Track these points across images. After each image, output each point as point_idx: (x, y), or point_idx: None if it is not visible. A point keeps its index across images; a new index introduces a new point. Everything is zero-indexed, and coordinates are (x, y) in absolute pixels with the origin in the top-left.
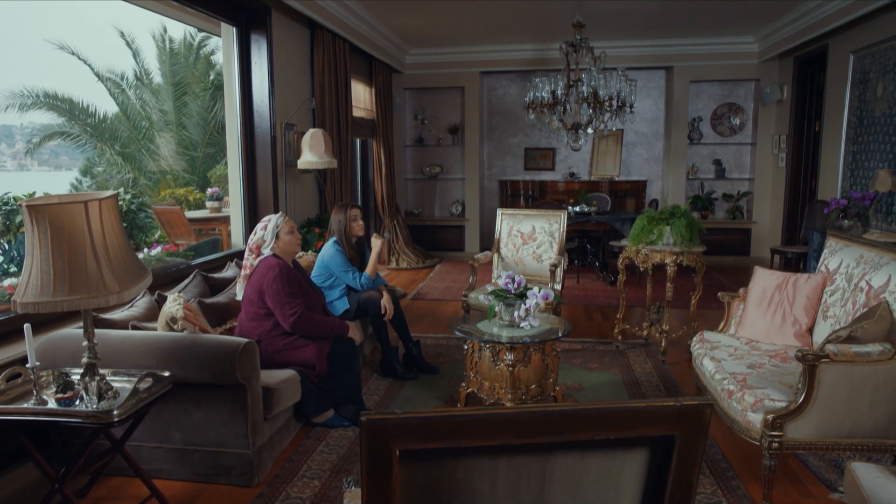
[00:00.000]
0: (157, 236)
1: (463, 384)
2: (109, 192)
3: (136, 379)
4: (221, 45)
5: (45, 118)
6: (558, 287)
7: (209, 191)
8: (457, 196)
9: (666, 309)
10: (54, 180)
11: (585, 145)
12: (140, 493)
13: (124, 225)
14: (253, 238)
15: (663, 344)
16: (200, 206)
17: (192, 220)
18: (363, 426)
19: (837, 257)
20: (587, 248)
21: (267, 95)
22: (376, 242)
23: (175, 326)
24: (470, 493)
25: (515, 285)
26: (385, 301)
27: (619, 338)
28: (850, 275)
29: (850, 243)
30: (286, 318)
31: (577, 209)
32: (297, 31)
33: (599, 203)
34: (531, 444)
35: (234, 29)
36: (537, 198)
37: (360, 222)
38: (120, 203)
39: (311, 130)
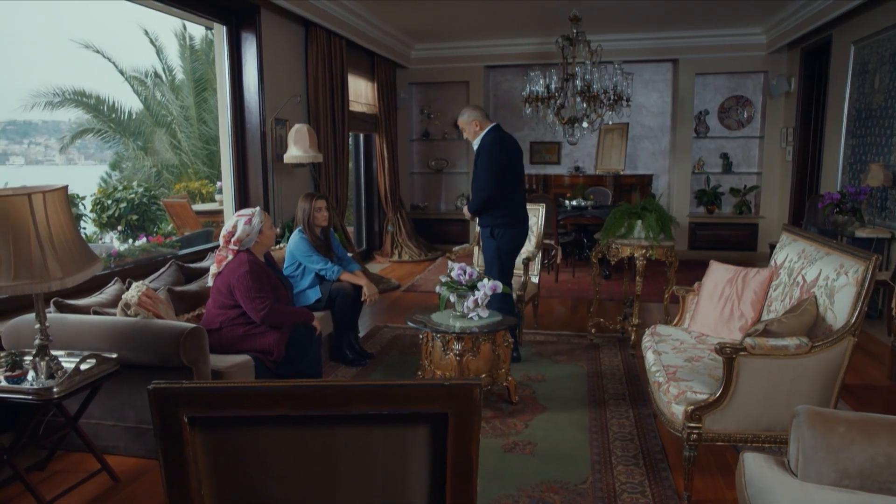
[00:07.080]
0: (170, 228)
1: (419, 373)
2: (58, 186)
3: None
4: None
5: (75, 114)
6: (535, 280)
7: (218, 184)
8: (462, 189)
9: (636, 302)
10: (93, 174)
11: (591, 139)
12: (94, 468)
13: (135, 217)
14: (227, 229)
15: (633, 337)
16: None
17: (201, 213)
18: (150, 394)
19: (785, 252)
20: (584, 241)
21: (256, 92)
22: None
23: (129, 312)
24: (263, 459)
25: (467, 277)
26: (366, 287)
27: (593, 331)
28: (792, 269)
29: (798, 238)
30: (257, 311)
31: (574, 203)
32: (289, 29)
33: (598, 197)
34: (313, 415)
35: (224, 27)
36: (542, 191)
37: (325, 213)
38: (132, 196)
39: (297, 126)
